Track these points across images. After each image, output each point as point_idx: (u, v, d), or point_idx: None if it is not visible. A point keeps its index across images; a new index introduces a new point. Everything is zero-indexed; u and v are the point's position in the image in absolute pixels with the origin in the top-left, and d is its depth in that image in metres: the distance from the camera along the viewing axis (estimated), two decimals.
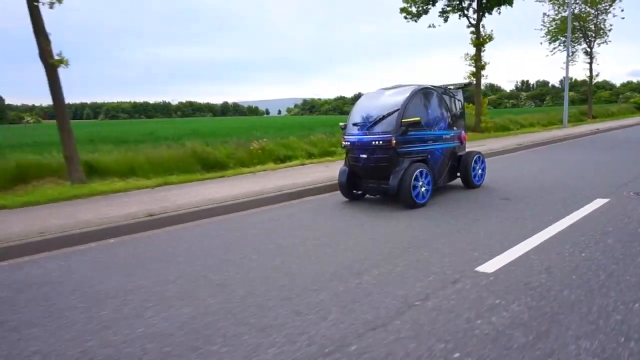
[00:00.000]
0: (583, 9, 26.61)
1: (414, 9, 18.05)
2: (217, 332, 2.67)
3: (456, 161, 7.07)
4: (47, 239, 4.72)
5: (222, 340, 2.57)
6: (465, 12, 18.14)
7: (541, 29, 27.44)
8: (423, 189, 6.00)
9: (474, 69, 18.58)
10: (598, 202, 5.60)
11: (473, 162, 7.09)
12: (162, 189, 7.85)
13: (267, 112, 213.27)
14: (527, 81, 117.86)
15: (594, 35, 27.05)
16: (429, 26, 18.64)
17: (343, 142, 6.58)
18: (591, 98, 30.44)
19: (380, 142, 5.95)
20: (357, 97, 6.41)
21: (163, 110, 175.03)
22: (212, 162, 10.32)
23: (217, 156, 10.52)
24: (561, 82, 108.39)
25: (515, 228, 4.65)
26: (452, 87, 7.34)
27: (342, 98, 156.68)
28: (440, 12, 18.26)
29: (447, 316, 2.72)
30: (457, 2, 18.19)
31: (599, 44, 27.21)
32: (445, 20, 18.37)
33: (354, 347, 2.41)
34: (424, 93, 6.44)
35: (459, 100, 7.28)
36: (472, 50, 18.27)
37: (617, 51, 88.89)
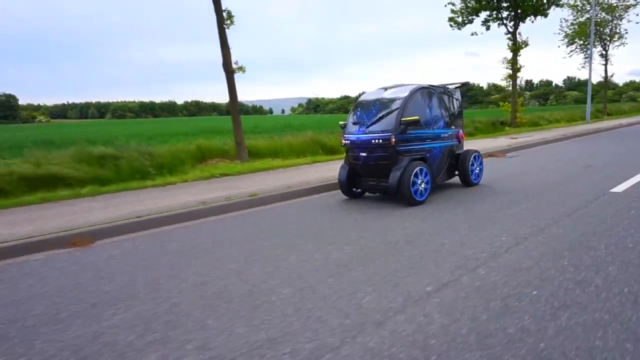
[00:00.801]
0: (600, 15, 29.29)
1: (460, 19, 20.78)
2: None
3: (454, 159, 7.31)
4: (312, 187, 7.44)
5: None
6: (504, 21, 20.86)
7: (559, 32, 30.16)
8: (422, 186, 6.20)
9: (510, 72, 21.36)
10: None
11: (471, 160, 7.35)
12: (316, 165, 10.50)
13: (271, 112, 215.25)
14: (531, 80, 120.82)
15: (609, 39, 29.80)
16: (472, 34, 21.37)
17: (343, 141, 6.72)
18: (606, 97, 33.31)
19: (380, 141, 6.12)
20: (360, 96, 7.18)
21: (169, 109, 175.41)
22: (329, 148, 13.01)
23: (331, 143, 13.22)
24: (565, 81, 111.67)
25: (615, 177, 7.33)
26: (450, 86, 7.55)
27: (346, 97, 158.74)
28: (483, 21, 20.96)
29: (611, 205, 5.43)
30: (496, 13, 20.89)
31: (614, 47, 29.92)
32: (488, 29, 21.07)
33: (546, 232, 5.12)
34: (423, 92, 6.65)
35: (456, 99, 7.47)
36: (509, 55, 21.02)
37: (617, 51, 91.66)
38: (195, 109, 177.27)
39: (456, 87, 7.61)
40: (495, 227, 4.70)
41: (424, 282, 3.30)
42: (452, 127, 7.21)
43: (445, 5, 20.55)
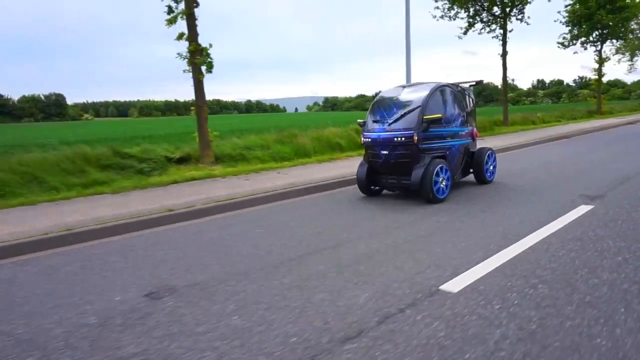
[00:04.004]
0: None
1: (566, 43, 31.06)
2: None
3: (469, 157, 7.39)
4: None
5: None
6: (595, 43, 31.11)
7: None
8: (443, 184, 6.30)
9: (596, 77, 31.74)
10: None
11: (486, 158, 7.41)
12: None
13: (284, 110, 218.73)
14: (543, 80, 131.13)
15: None
16: (574, 52, 31.63)
17: (363, 139, 6.74)
18: None
19: (402, 139, 6.19)
20: (377, 95, 7.46)
21: (193, 108, 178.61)
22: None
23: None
24: (575, 80, 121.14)
25: None
26: (464, 84, 7.63)
27: (362, 96, 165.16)
28: (581, 42, 31.19)
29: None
30: (586, 38, 31.08)
31: None
32: (585, 49, 31.29)
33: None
34: (442, 90, 6.75)
35: (471, 97, 7.54)
36: (596, 66, 31.34)
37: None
38: (217, 107, 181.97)
39: (471, 86, 7.77)
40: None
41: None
42: (468, 125, 7.29)
43: (559, 35, 30.86)
